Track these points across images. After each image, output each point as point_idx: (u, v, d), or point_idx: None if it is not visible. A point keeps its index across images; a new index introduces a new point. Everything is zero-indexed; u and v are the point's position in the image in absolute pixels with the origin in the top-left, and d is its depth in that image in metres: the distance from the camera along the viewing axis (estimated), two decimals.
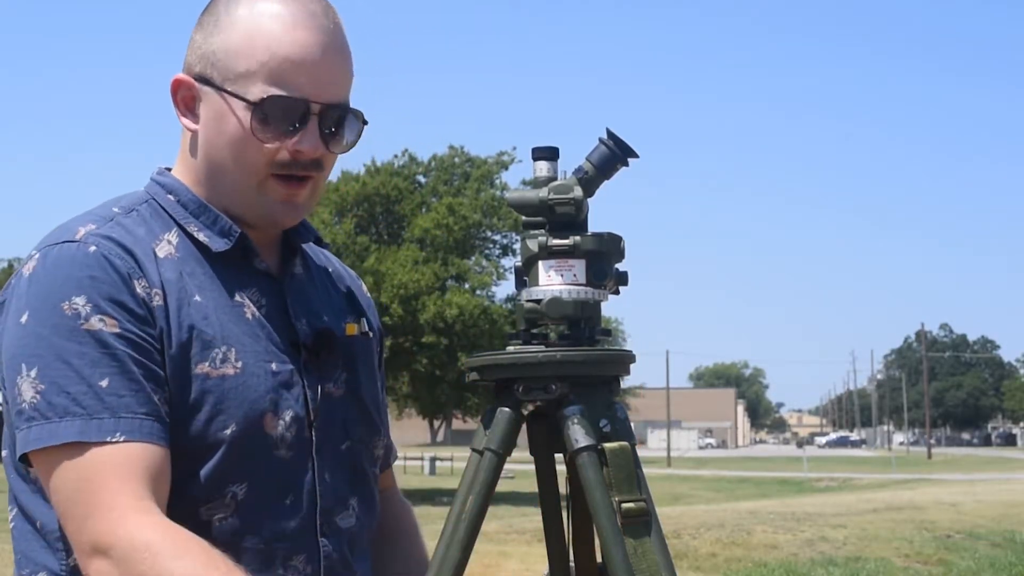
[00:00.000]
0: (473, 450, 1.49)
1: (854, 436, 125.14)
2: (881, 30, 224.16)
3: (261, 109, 1.48)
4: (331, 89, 1.51)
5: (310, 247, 1.71)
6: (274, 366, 1.52)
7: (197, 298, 1.49)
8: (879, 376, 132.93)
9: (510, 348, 1.49)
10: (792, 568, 11.87)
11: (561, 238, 1.47)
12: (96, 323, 1.40)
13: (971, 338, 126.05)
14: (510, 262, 29.64)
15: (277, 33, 1.48)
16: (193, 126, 1.55)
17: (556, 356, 1.44)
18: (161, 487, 1.39)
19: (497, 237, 30.23)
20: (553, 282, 1.47)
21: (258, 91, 1.48)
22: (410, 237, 28.70)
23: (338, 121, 1.53)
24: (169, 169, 1.61)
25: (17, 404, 1.41)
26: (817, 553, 12.69)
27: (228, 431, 1.46)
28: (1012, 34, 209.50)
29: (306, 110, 1.49)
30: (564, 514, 1.59)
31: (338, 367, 1.61)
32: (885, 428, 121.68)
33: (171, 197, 1.56)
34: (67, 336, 1.40)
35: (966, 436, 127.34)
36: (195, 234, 1.54)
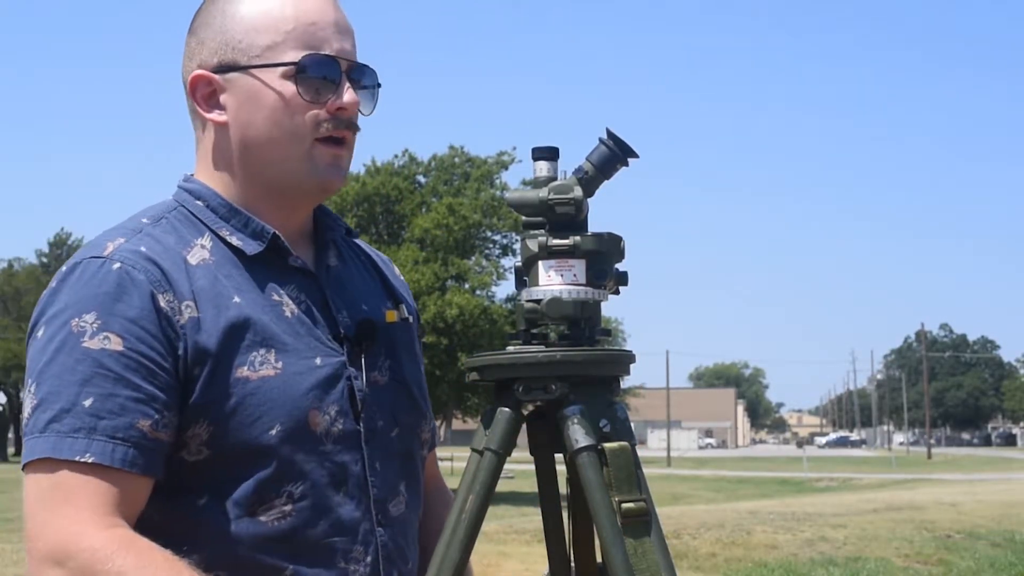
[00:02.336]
0: (473, 450, 1.49)
1: (854, 436, 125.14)
2: (881, 30, 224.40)
3: (301, 70, 1.51)
4: (350, 49, 1.56)
5: (340, 238, 1.71)
6: (318, 361, 1.53)
7: (236, 299, 1.50)
8: (879, 376, 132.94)
9: (510, 348, 1.49)
10: (792, 568, 11.87)
11: (561, 238, 1.47)
12: (98, 342, 1.41)
13: (971, 338, 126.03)
14: (510, 262, 29.66)
15: (293, 3, 1.53)
16: (221, 118, 1.55)
17: (556, 356, 1.44)
18: (127, 512, 1.39)
19: (497, 237, 30.25)
20: (553, 282, 1.47)
21: (292, 56, 1.52)
22: (410, 237, 28.71)
23: (359, 80, 1.57)
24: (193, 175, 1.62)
25: (25, 420, 1.44)
26: (817, 553, 12.69)
27: (274, 432, 1.46)
28: (1012, 34, 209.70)
29: (339, 68, 1.53)
30: (564, 514, 1.59)
31: (381, 355, 1.62)
32: (885, 428, 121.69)
33: (200, 203, 1.57)
34: (67, 353, 1.41)
35: (966, 436, 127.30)
36: (227, 238, 1.54)
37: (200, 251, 1.52)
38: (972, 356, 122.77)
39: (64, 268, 1.48)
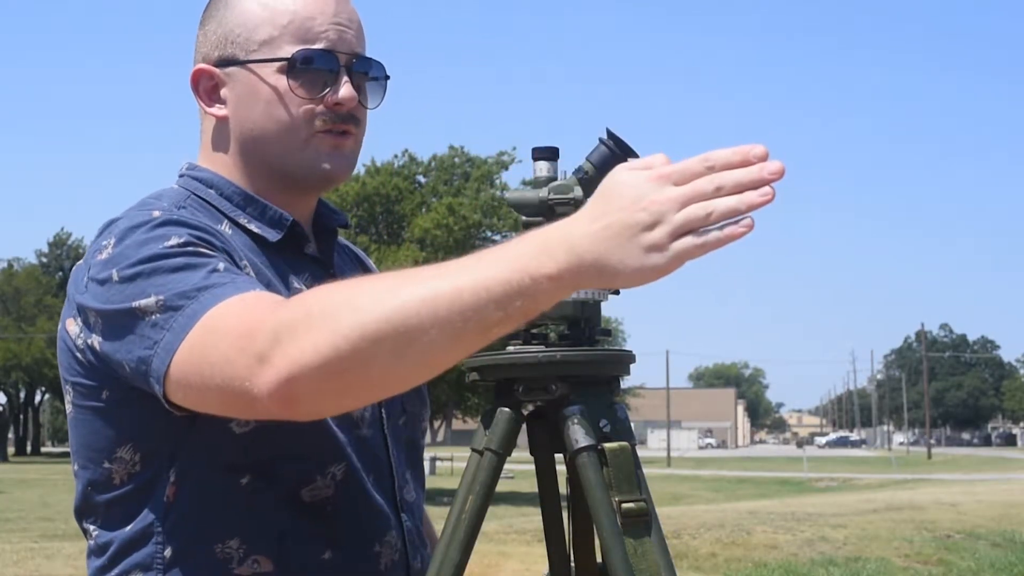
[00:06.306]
0: (473, 450, 1.49)
1: (854, 436, 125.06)
2: (880, 29, 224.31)
3: (295, 65, 1.50)
4: (353, 41, 1.54)
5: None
6: None
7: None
8: (879, 376, 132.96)
9: (510, 348, 1.49)
10: (792, 568, 11.87)
11: None
12: (192, 247, 1.35)
13: (971, 338, 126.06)
14: None
15: None
16: (222, 112, 1.54)
17: (556, 356, 1.44)
18: None
19: (497, 237, 30.24)
20: None
21: (287, 51, 1.50)
22: (410, 237, 28.70)
23: (365, 73, 1.55)
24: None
25: (148, 325, 1.30)
26: (817, 553, 12.69)
27: None
28: (1012, 33, 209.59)
29: (336, 62, 1.51)
30: (564, 514, 1.59)
31: None
32: (885, 428, 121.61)
33: (212, 191, 1.54)
34: (170, 256, 1.33)
35: (966, 436, 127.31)
36: (246, 225, 1.53)
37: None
38: (972, 356, 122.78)
39: (112, 238, 1.38)
